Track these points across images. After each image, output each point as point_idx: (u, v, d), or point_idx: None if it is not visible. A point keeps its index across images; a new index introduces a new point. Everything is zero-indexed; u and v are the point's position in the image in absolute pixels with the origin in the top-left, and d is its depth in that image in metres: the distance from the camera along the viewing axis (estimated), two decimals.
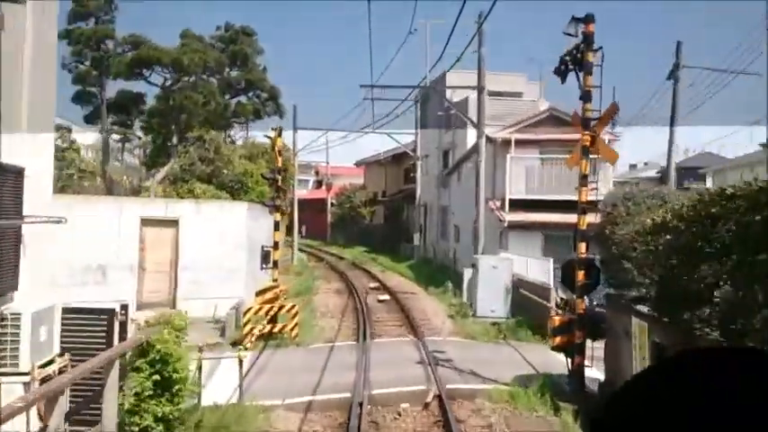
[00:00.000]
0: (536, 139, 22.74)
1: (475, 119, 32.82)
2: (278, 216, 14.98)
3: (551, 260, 16.22)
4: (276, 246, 14.87)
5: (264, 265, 14.53)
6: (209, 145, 20.57)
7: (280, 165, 14.73)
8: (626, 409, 0.68)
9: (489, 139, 22.43)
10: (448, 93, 35.53)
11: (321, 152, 57.66)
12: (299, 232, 67.32)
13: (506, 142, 22.92)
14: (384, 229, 44.85)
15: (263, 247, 14.74)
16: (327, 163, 57.46)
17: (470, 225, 25.77)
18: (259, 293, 13.97)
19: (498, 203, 22.70)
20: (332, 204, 54.84)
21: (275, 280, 14.68)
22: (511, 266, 17.56)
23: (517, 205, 21.69)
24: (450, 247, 31.49)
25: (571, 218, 22.93)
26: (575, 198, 22.78)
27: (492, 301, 17.26)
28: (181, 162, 20.72)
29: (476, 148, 23.28)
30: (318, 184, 67.69)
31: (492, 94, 33.20)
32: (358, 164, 55.64)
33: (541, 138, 22.80)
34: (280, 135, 14.57)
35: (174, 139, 21.65)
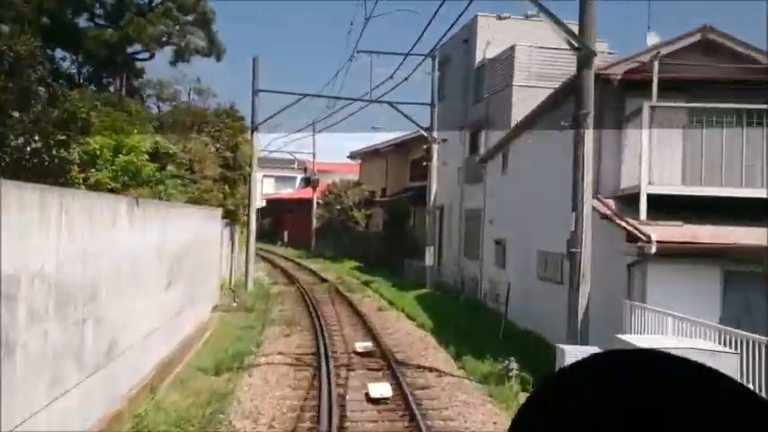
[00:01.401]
0: (689, 78, 11.65)
1: (524, 76, 21.86)
2: None
3: None
4: None
5: None
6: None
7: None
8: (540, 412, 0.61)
9: (597, 79, 11.28)
10: (480, 47, 24.53)
11: (306, 147, 46.49)
12: (280, 240, 56.07)
13: (628, 85, 11.84)
14: (383, 239, 33.76)
15: None
16: (314, 156, 46.29)
17: (534, 243, 14.79)
18: None
19: (613, 204, 11.60)
20: (318, 205, 43.78)
21: None
22: (736, 365, 6.43)
23: (662, 208, 10.59)
24: (485, 272, 20.41)
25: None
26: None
27: None
28: None
29: (562, 98, 12.21)
30: (307, 182, 56.17)
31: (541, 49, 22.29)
32: (352, 156, 44.53)
33: (699, 77, 11.72)
34: None
35: None
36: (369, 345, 13.81)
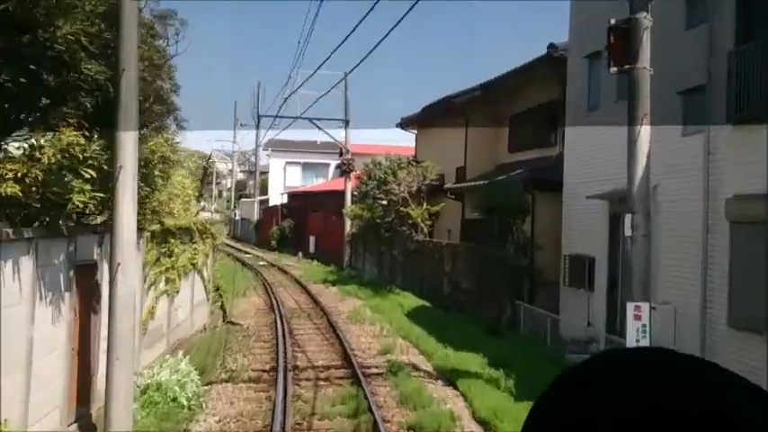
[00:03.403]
0: None
1: None
2: None
3: None
4: None
5: None
6: None
7: None
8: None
9: None
10: None
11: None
12: (302, 250, 40.48)
13: None
14: (466, 257, 18.15)
15: None
16: (345, 113, 30.69)
17: None
18: None
19: None
20: (353, 199, 28.47)
21: None
22: None
23: None
24: None
25: None
26: None
27: None
28: None
29: None
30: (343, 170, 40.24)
31: None
32: (404, 123, 28.87)
33: None
34: None
35: None
36: None
